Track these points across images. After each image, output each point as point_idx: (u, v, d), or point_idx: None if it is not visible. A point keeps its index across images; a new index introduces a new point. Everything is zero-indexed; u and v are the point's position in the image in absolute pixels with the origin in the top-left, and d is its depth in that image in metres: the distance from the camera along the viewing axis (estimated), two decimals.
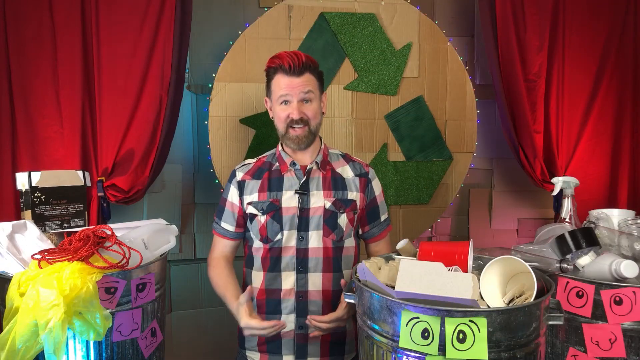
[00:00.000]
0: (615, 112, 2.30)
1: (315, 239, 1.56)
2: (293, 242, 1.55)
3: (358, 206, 1.61)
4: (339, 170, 1.64)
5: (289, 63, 1.50)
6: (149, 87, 1.92)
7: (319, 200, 1.57)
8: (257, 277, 1.58)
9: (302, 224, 1.55)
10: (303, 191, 1.56)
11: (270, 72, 1.57)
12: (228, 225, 1.63)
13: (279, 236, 1.55)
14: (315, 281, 1.56)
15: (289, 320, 1.56)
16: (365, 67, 2.26)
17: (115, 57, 1.89)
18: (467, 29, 2.45)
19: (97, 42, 1.88)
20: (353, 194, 1.61)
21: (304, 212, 1.55)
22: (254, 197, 1.57)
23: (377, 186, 1.68)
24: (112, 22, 1.88)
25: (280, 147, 1.64)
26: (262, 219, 1.55)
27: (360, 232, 1.70)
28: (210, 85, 2.16)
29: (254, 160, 1.66)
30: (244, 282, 1.65)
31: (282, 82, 1.52)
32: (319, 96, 1.59)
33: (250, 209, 1.57)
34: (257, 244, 1.58)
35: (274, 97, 1.56)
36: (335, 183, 1.60)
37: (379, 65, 2.27)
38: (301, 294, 1.55)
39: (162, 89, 1.92)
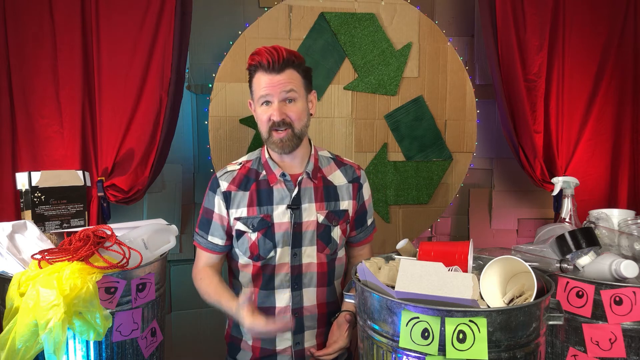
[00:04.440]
0: (615, 112, 2.30)
1: (309, 255, 1.49)
2: (287, 259, 1.48)
3: (349, 215, 1.55)
4: (330, 177, 1.54)
5: (268, 59, 1.37)
6: (149, 87, 1.92)
7: (311, 214, 1.48)
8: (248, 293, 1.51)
9: (296, 240, 1.48)
10: (295, 205, 1.47)
11: (251, 71, 1.44)
12: (217, 239, 1.51)
13: (271, 253, 1.46)
14: (310, 296, 1.52)
15: (284, 338, 1.51)
16: (365, 67, 2.26)
17: (115, 57, 1.89)
18: (467, 29, 2.45)
19: (97, 42, 1.88)
20: (345, 203, 1.54)
21: (296, 227, 1.47)
22: (242, 212, 1.47)
23: (366, 191, 1.60)
24: (112, 22, 1.88)
25: (266, 154, 1.52)
26: (252, 236, 1.46)
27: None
28: (210, 85, 2.16)
29: (237, 167, 1.52)
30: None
31: (262, 81, 1.40)
32: (305, 95, 1.45)
33: (239, 225, 1.47)
34: (245, 260, 1.50)
35: (255, 97, 1.44)
36: (328, 193, 1.52)
37: (379, 65, 2.27)
38: (297, 311, 1.50)
39: (162, 89, 1.92)
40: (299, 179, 1.49)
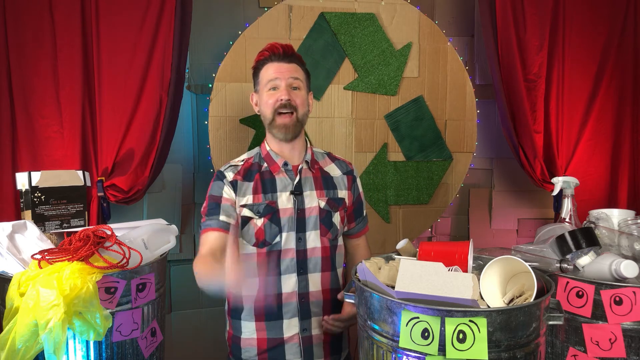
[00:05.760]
0: (615, 112, 2.30)
1: (313, 239, 1.55)
2: (292, 244, 1.53)
3: (347, 204, 1.63)
4: (326, 169, 1.64)
5: (279, 49, 1.53)
6: (149, 87, 1.92)
7: (313, 200, 1.56)
8: (251, 284, 1.51)
9: (300, 225, 1.54)
10: (298, 192, 1.55)
11: (259, 65, 1.57)
12: (231, 218, 1.50)
13: (277, 239, 1.52)
14: (316, 281, 1.55)
15: (292, 325, 1.53)
16: (365, 67, 2.26)
17: (115, 57, 1.89)
18: (467, 29, 2.45)
19: (97, 42, 1.88)
20: (342, 193, 1.63)
21: (300, 213, 1.54)
22: (248, 199, 1.53)
23: (359, 183, 1.72)
24: (112, 22, 1.88)
25: (267, 147, 1.60)
26: (258, 222, 1.51)
27: (345, 228, 1.68)
28: (210, 85, 2.16)
29: (241, 162, 1.60)
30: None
31: (271, 69, 1.53)
32: (306, 89, 1.59)
33: (245, 212, 1.52)
34: (249, 249, 1.53)
35: (261, 85, 1.55)
36: (326, 182, 1.61)
37: (379, 65, 2.27)
38: (303, 296, 1.53)
39: (162, 89, 1.92)
40: (300, 167, 1.58)
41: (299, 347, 1.54)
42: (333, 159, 1.69)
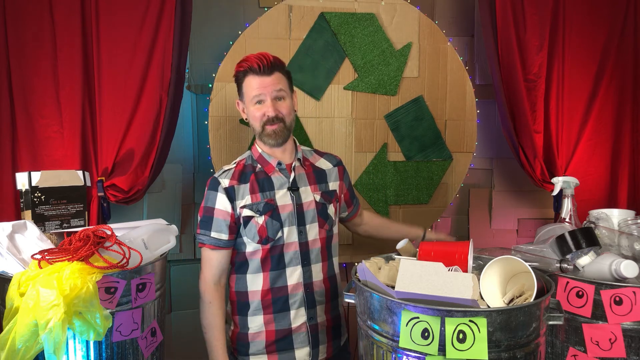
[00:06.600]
0: (615, 112, 2.30)
1: (313, 231, 1.62)
2: (294, 237, 1.59)
3: (338, 194, 1.72)
4: (317, 164, 1.72)
5: (258, 64, 1.54)
6: (149, 87, 1.92)
7: (308, 195, 1.63)
8: (256, 280, 1.58)
9: (300, 219, 1.60)
10: (295, 187, 1.61)
11: (240, 76, 1.59)
12: (221, 234, 1.56)
13: (279, 234, 1.56)
14: (317, 271, 1.63)
15: (299, 314, 1.59)
16: (365, 67, 2.26)
17: (115, 57, 1.89)
18: (467, 29, 2.45)
19: (97, 42, 1.88)
20: (334, 184, 1.71)
21: (299, 208, 1.60)
22: (247, 200, 1.56)
23: (348, 173, 1.84)
24: (112, 22, 1.88)
25: (259, 149, 1.64)
26: (259, 220, 1.55)
27: (346, 214, 1.83)
28: (210, 85, 2.16)
29: (233, 165, 1.64)
30: (231, 290, 1.64)
31: (254, 83, 1.55)
32: (290, 94, 1.63)
33: (246, 212, 1.55)
34: (253, 247, 1.57)
35: (247, 99, 1.59)
36: (318, 177, 1.68)
37: (379, 65, 2.27)
38: (308, 286, 1.60)
39: (162, 89, 1.92)
40: (293, 165, 1.64)
41: (306, 335, 1.60)
42: (321, 154, 1.77)
